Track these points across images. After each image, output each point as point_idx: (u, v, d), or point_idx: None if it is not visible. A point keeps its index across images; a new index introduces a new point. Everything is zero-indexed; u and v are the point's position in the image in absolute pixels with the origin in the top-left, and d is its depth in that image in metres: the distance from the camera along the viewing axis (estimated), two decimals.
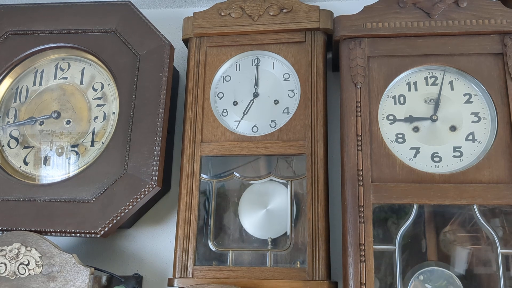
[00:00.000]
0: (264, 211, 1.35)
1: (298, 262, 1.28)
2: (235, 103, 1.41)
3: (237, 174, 1.38)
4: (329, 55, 1.48)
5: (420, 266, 1.22)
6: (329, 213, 1.29)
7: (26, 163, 1.41)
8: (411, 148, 1.26)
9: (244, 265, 1.31)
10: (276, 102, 1.39)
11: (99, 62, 1.45)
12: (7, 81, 1.49)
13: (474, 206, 1.19)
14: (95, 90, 1.44)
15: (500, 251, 1.18)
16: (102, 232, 1.25)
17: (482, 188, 1.18)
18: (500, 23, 1.28)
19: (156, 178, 1.28)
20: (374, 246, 1.17)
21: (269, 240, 1.32)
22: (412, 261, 1.24)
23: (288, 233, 1.31)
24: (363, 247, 1.16)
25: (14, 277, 1.21)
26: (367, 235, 1.17)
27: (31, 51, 1.47)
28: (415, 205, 1.21)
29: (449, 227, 1.27)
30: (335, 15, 1.40)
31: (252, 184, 1.38)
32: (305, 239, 1.28)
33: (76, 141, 1.40)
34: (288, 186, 1.34)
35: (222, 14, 1.44)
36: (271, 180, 1.36)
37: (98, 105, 1.42)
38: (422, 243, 1.26)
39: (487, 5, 1.30)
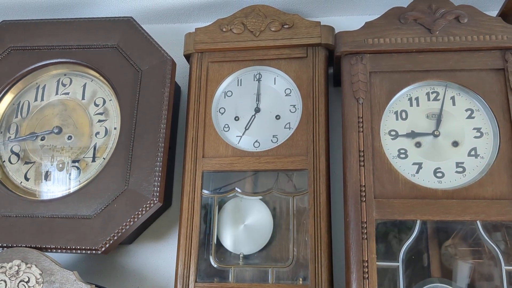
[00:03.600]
0: (242, 226, 1.35)
1: (301, 279, 1.27)
2: (236, 119, 1.41)
3: (239, 190, 1.37)
4: (331, 70, 1.48)
5: (423, 283, 1.21)
6: (331, 229, 1.28)
7: (27, 179, 1.40)
8: (414, 163, 1.25)
9: (246, 281, 1.30)
10: (277, 117, 1.39)
11: (101, 78, 1.45)
12: (9, 97, 1.49)
13: (478, 222, 1.19)
14: (96, 105, 1.44)
15: (504, 267, 1.17)
16: (103, 249, 1.24)
17: (486, 204, 1.17)
18: (501, 39, 1.28)
19: (157, 194, 1.27)
20: (377, 263, 1.16)
21: (241, 255, 1.32)
22: (416, 277, 1.22)
23: (290, 249, 1.30)
24: (366, 264, 1.15)
25: None
26: (370, 252, 1.16)
27: (33, 66, 1.48)
28: (418, 221, 1.21)
29: (452, 242, 1.26)
30: (336, 31, 1.40)
31: (231, 199, 1.37)
32: (307, 256, 1.27)
33: (77, 156, 1.40)
34: (290, 201, 1.33)
35: (224, 29, 1.44)
36: (270, 195, 1.36)
37: (99, 121, 1.42)
38: (426, 259, 1.25)
39: (488, 21, 1.30)
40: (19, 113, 1.47)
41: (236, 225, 1.35)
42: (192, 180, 1.34)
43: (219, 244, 1.34)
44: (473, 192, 1.19)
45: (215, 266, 1.32)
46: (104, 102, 1.44)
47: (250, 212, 1.36)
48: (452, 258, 1.25)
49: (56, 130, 1.43)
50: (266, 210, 1.36)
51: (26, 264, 1.22)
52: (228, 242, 1.34)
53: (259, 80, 1.44)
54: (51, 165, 1.40)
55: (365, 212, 1.19)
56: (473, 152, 1.25)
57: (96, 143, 1.40)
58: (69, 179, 1.38)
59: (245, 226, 1.35)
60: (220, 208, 1.37)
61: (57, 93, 1.48)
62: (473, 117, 1.28)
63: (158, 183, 1.28)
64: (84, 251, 1.25)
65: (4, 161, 1.43)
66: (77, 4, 1.61)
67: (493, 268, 1.21)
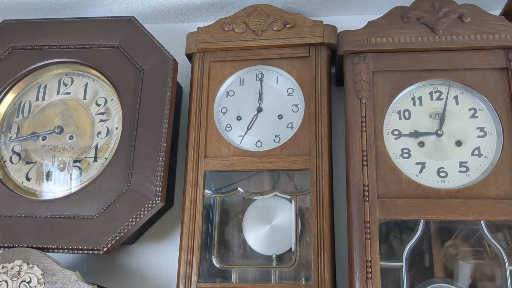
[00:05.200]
0: (268, 227, 1.33)
1: (303, 279, 1.27)
2: (238, 118, 1.40)
3: (241, 190, 1.37)
4: (333, 70, 1.48)
5: (427, 283, 1.20)
6: (334, 229, 1.28)
7: (28, 179, 1.40)
8: (417, 163, 1.25)
9: (248, 282, 1.30)
10: (280, 117, 1.39)
11: (103, 77, 1.45)
12: (10, 96, 1.48)
13: (481, 222, 1.18)
14: (98, 105, 1.44)
15: (508, 267, 1.16)
16: (105, 249, 1.24)
17: (489, 203, 1.17)
18: (504, 38, 1.28)
19: (159, 194, 1.26)
20: (380, 263, 1.15)
21: (273, 256, 1.31)
22: (419, 277, 1.22)
23: (293, 249, 1.29)
24: (370, 264, 1.15)
25: None
26: (373, 252, 1.16)
27: (34, 66, 1.47)
28: (422, 221, 1.20)
29: (455, 243, 1.25)
30: (339, 30, 1.40)
31: (256, 199, 1.36)
32: (310, 256, 1.26)
33: (79, 156, 1.39)
34: (293, 202, 1.33)
35: (226, 29, 1.44)
36: (275, 195, 1.35)
37: (101, 120, 1.42)
38: (429, 259, 1.24)
39: (491, 20, 1.30)
40: (20, 113, 1.47)
41: (262, 226, 1.34)
42: (194, 180, 1.34)
43: (222, 244, 1.34)
44: (476, 191, 1.19)
45: (218, 266, 1.31)
46: (106, 101, 1.44)
47: (275, 212, 1.35)
48: (456, 258, 1.25)
49: (57, 130, 1.42)
50: (290, 209, 1.34)
51: (28, 264, 1.21)
52: (256, 244, 1.33)
53: (261, 79, 1.43)
54: (52, 165, 1.39)
55: (368, 212, 1.19)
56: (476, 152, 1.24)
57: (97, 143, 1.40)
58: (71, 179, 1.38)
59: (271, 226, 1.34)
60: (224, 209, 1.36)
61: (58, 93, 1.47)
62: (477, 117, 1.27)
63: (160, 183, 1.27)
64: (86, 251, 1.25)
65: (5, 161, 1.43)
66: (78, 3, 1.61)
67: (497, 268, 1.21)
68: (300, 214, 1.32)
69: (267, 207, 1.35)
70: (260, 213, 1.35)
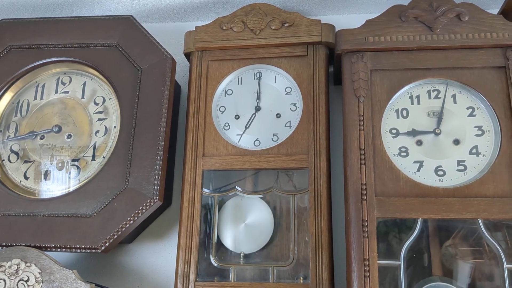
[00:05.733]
0: (242, 225, 1.34)
1: (301, 278, 1.27)
2: (237, 117, 1.40)
3: (239, 188, 1.37)
4: (331, 68, 1.48)
5: (425, 282, 1.20)
6: (332, 227, 1.28)
7: (26, 178, 1.40)
8: (415, 161, 1.25)
9: (246, 280, 1.30)
10: (278, 116, 1.39)
11: (101, 76, 1.44)
12: (8, 95, 1.48)
13: (479, 220, 1.18)
14: (96, 104, 1.44)
15: (506, 266, 1.16)
16: (102, 248, 1.23)
17: (487, 202, 1.17)
18: (502, 36, 1.28)
19: (157, 193, 1.26)
20: (378, 261, 1.15)
21: (241, 255, 1.31)
22: (417, 276, 1.22)
23: (291, 248, 1.29)
24: (367, 262, 1.15)
25: None
26: (371, 250, 1.16)
27: (32, 65, 1.47)
28: (419, 220, 1.20)
29: (453, 242, 1.25)
30: (336, 29, 1.40)
31: (231, 198, 1.37)
32: (308, 254, 1.26)
33: (77, 155, 1.39)
34: (291, 200, 1.33)
35: (224, 28, 1.44)
36: (269, 194, 1.36)
37: (99, 119, 1.42)
38: (427, 258, 1.24)
39: (489, 19, 1.30)
40: (18, 111, 1.47)
41: (236, 224, 1.34)
42: (192, 178, 1.34)
43: (220, 243, 1.34)
44: (474, 190, 1.19)
45: (216, 265, 1.31)
46: (104, 100, 1.44)
47: (251, 211, 1.35)
48: (453, 257, 1.25)
49: (55, 129, 1.42)
50: (266, 208, 1.35)
51: (26, 263, 1.21)
52: (228, 241, 1.33)
53: (259, 78, 1.43)
54: (51, 164, 1.39)
55: (366, 210, 1.19)
56: (474, 150, 1.24)
57: (95, 141, 1.40)
58: (69, 178, 1.38)
59: (245, 225, 1.34)
60: (220, 207, 1.37)
61: (56, 92, 1.47)
62: (474, 115, 1.27)
63: (158, 182, 1.27)
64: (83, 250, 1.24)
65: (3, 160, 1.42)
66: (77, 2, 1.61)
67: (495, 267, 1.21)
68: (298, 213, 1.32)
69: (243, 205, 1.36)
70: (236, 211, 1.36)
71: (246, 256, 1.32)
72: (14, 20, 1.51)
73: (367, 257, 1.15)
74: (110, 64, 1.42)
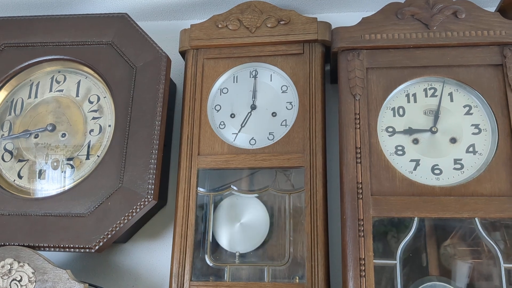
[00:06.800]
0: (238, 224, 1.33)
1: (297, 277, 1.26)
2: (232, 116, 1.39)
3: (235, 188, 1.36)
4: (327, 67, 1.47)
5: (421, 281, 1.19)
6: (328, 227, 1.27)
7: (20, 177, 1.39)
8: (411, 160, 1.24)
9: (242, 280, 1.29)
10: (274, 114, 1.38)
11: (95, 75, 1.44)
12: (2, 94, 1.47)
13: (476, 219, 1.17)
14: (91, 102, 1.43)
15: (503, 265, 1.15)
16: (96, 247, 1.22)
17: (484, 201, 1.16)
18: (499, 34, 1.27)
19: (152, 192, 1.25)
20: (374, 261, 1.14)
21: (237, 254, 1.30)
22: (413, 276, 1.21)
23: (287, 248, 1.28)
24: (363, 262, 1.14)
25: None
26: (367, 249, 1.15)
27: (26, 63, 1.46)
28: (416, 219, 1.19)
29: (450, 241, 1.24)
30: (333, 27, 1.39)
31: (227, 197, 1.36)
32: (303, 254, 1.25)
33: (72, 154, 1.38)
34: (287, 199, 1.32)
35: (220, 26, 1.43)
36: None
37: (94, 118, 1.41)
38: (423, 257, 1.23)
39: (486, 16, 1.29)
40: (12, 110, 1.46)
41: (232, 223, 1.33)
42: (187, 177, 1.33)
43: (215, 243, 1.33)
44: (471, 189, 1.18)
45: (211, 264, 1.30)
46: (99, 99, 1.43)
47: (246, 210, 1.34)
48: (450, 256, 1.24)
49: (50, 128, 1.41)
50: (262, 208, 1.34)
51: (19, 262, 1.20)
52: (224, 241, 1.32)
53: (255, 77, 1.42)
54: (46, 163, 1.38)
55: (362, 209, 1.18)
56: (471, 149, 1.23)
57: (90, 140, 1.39)
58: (64, 177, 1.37)
59: (241, 224, 1.33)
60: (215, 206, 1.36)
61: (51, 90, 1.46)
62: (471, 114, 1.26)
63: (153, 181, 1.26)
64: (77, 250, 1.24)
65: None
66: (71, 0, 1.60)
67: (492, 266, 1.20)
68: (294, 212, 1.31)
69: (238, 204, 1.35)
70: (231, 211, 1.35)
71: (242, 255, 1.31)
72: (8, 18, 1.50)
73: (363, 257, 1.14)
74: (104, 63, 1.41)
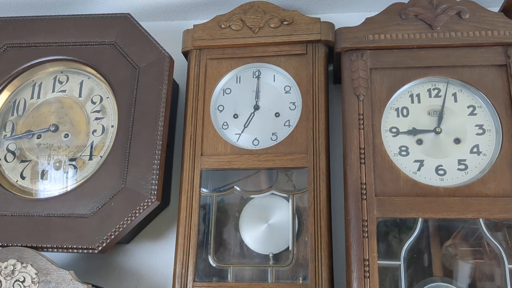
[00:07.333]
0: (265, 225, 1.32)
1: (300, 278, 1.25)
2: (235, 116, 1.39)
3: (238, 188, 1.35)
4: (331, 67, 1.46)
5: (425, 282, 1.19)
6: (331, 227, 1.27)
7: (23, 177, 1.38)
8: (415, 161, 1.23)
9: (245, 281, 1.28)
10: (277, 115, 1.38)
11: (98, 75, 1.43)
12: (5, 94, 1.47)
13: (480, 220, 1.17)
14: (93, 103, 1.43)
15: (508, 266, 1.15)
16: (99, 248, 1.22)
17: (488, 201, 1.16)
18: (503, 34, 1.27)
19: (155, 192, 1.25)
20: (378, 262, 1.14)
21: (270, 255, 1.29)
22: (417, 276, 1.21)
23: (290, 248, 1.28)
24: (367, 263, 1.14)
25: None
26: (371, 250, 1.14)
27: (29, 64, 1.46)
28: (420, 219, 1.19)
29: (454, 242, 1.24)
30: (336, 27, 1.39)
31: (253, 198, 1.35)
32: (307, 255, 1.25)
33: (74, 154, 1.38)
34: (290, 200, 1.31)
35: (223, 26, 1.43)
36: (272, 194, 1.34)
37: (96, 118, 1.40)
38: (427, 258, 1.23)
39: (490, 17, 1.29)
40: (15, 111, 1.46)
41: (259, 225, 1.32)
42: (190, 178, 1.32)
43: (218, 243, 1.32)
44: (475, 189, 1.18)
45: (214, 265, 1.30)
46: (101, 99, 1.42)
47: (272, 211, 1.33)
48: (454, 257, 1.23)
49: (52, 128, 1.41)
50: (287, 208, 1.32)
51: (22, 263, 1.20)
52: (253, 243, 1.31)
53: (258, 77, 1.42)
54: (48, 164, 1.38)
55: (366, 210, 1.17)
56: (475, 149, 1.23)
57: (93, 141, 1.38)
58: (66, 177, 1.37)
59: (268, 225, 1.32)
60: (219, 207, 1.35)
61: (53, 91, 1.46)
62: (475, 114, 1.26)
63: (156, 181, 1.26)
64: (80, 251, 1.23)
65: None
66: (74, 0, 1.60)
67: (496, 267, 1.20)
68: (298, 213, 1.31)
69: (264, 205, 1.34)
70: (257, 212, 1.34)
71: (275, 256, 1.30)
72: (11, 18, 1.50)
73: (367, 257, 1.14)
74: (107, 63, 1.41)
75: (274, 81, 1.41)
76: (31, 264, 1.20)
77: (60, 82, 1.47)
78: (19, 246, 1.23)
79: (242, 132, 1.37)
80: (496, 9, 1.41)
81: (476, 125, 1.25)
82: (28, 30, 1.47)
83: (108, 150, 1.34)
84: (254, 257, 1.31)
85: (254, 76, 1.42)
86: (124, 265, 1.42)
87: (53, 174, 1.38)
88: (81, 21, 1.46)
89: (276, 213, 1.33)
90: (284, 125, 1.36)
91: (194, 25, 1.45)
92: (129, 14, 1.44)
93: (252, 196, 1.35)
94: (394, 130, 1.27)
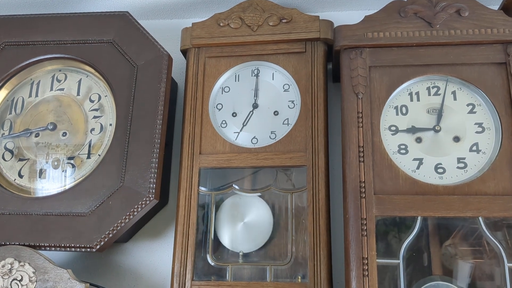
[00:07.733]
0: (241, 224, 1.32)
1: (299, 277, 1.25)
2: (234, 115, 1.39)
3: (236, 187, 1.35)
4: (330, 65, 1.46)
5: (424, 281, 1.19)
6: (330, 226, 1.26)
7: (21, 176, 1.38)
8: (414, 159, 1.23)
9: (243, 280, 1.28)
10: (276, 113, 1.37)
11: (96, 73, 1.43)
12: (3, 93, 1.46)
13: (480, 218, 1.16)
14: (92, 101, 1.42)
15: (507, 264, 1.15)
16: (97, 247, 1.22)
17: (488, 200, 1.15)
18: (502, 32, 1.26)
19: (153, 191, 1.25)
20: (377, 260, 1.14)
21: (240, 254, 1.30)
22: (417, 275, 1.20)
23: (289, 247, 1.28)
24: (366, 261, 1.13)
25: None
26: (370, 249, 1.14)
27: (27, 62, 1.45)
28: (419, 218, 1.18)
29: (453, 240, 1.24)
30: (335, 25, 1.38)
31: (230, 197, 1.35)
32: (306, 253, 1.25)
33: (72, 153, 1.38)
34: (289, 199, 1.31)
35: (221, 24, 1.42)
36: (267, 192, 1.34)
37: (94, 117, 1.40)
38: (427, 257, 1.23)
39: (489, 14, 1.28)
40: (13, 109, 1.45)
41: (235, 222, 1.32)
42: (189, 177, 1.32)
43: (217, 242, 1.32)
44: (475, 188, 1.17)
45: (213, 264, 1.29)
46: (100, 98, 1.42)
47: (249, 209, 1.33)
48: (454, 256, 1.23)
49: (50, 127, 1.40)
50: (265, 207, 1.33)
51: (19, 262, 1.20)
52: (226, 240, 1.31)
53: (257, 75, 1.42)
54: (46, 162, 1.38)
55: (365, 208, 1.17)
56: (474, 148, 1.22)
57: (91, 139, 1.38)
58: (64, 176, 1.36)
59: (244, 223, 1.32)
60: (217, 205, 1.35)
61: (51, 89, 1.46)
62: (475, 112, 1.26)
63: (154, 180, 1.25)
64: (78, 249, 1.23)
65: None
66: None
67: (496, 266, 1.19)
68: (296, 211, 1.30)
69: (241, 203, 1.34)
70: (234, 210, 1.34)
71: (245, 255, 1.30)
72: (9, 16, 1.49)
73: (366, 256, 1.13)
74: (105, 61, 1.40)
75: (273, 79, 1.40)
76: (28, 263, 1.19)
77: (58, 81, 1.46)
78: (17, 244, 1.23)
79: (240, 130, 1.37)
80: (495, 7, 1.41)
81: (476, 123, 1.24)
82: (26, 28, 1.47)
83: (106, 148, 1.34)
84: (228, 254, 1.32)
85: (253, 75, 1.42)
86: (122, 264, 1.42)
87: (51, 172, 1.37)
88: (79, 20, 1.45)
89: (253, 212, 1.32)
90: (283, 124, 1.35)
91: (192, 23, 1.45)
92: (127, 12, 1.44)
93: (249, 194, 1.34)
94: (393, 128, 1.26)
